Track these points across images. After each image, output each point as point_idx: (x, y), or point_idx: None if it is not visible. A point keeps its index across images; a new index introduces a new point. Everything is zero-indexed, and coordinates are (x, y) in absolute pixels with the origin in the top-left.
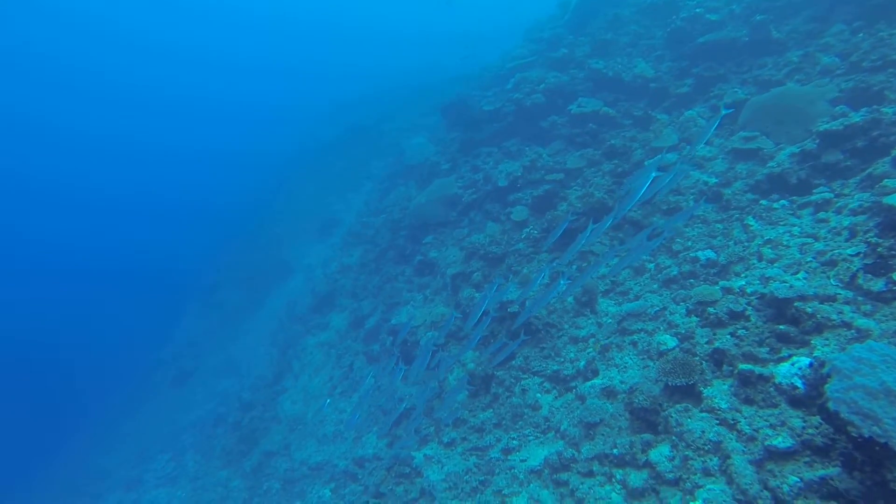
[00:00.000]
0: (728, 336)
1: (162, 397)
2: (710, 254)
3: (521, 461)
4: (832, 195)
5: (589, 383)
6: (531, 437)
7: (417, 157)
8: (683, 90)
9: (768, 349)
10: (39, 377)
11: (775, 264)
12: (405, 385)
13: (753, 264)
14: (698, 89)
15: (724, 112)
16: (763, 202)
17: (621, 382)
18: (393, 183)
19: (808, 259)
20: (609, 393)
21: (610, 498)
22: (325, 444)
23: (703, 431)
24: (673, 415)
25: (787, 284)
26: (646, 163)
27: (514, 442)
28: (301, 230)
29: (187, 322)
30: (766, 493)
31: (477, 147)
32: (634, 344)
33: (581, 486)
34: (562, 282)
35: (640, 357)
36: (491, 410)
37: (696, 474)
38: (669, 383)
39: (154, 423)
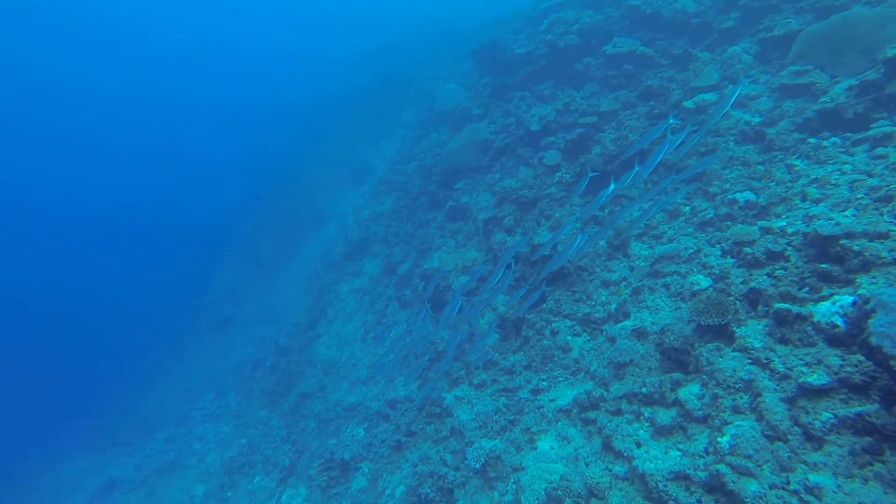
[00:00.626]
0: (765, 276)
1: (204, 343)
2: (750, 195)
3: (550, 401)
4: (894, 128)
5: (620, 325)
6: (561, 379)
7: (449, 104)
8: (729, 24)
9: (808, 289)
10: (96, 328)
11: (821, 204)
12: (437, 329)
13: (796, 205)
14: (745, 22)
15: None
16: (811, 140)
17: (652, 324)
18: (424, 130)
19: (859, 196)
20: (640, 334)
21: (637, 435)
22: (358, 387)
23: (735, 370)
24: (704, 354)
25: (834, 222)
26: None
27: (544, 383)
28: (333, 179)
29: (225, 271)
30: (796, 428)
31: (509, 92)
32: (667, 286)
33: (609, 424)
34: (579, 237)
35: (673, 299)
36: (521, 353)
37: (725, 412)
38: (702, 323)
39: (198, 367)
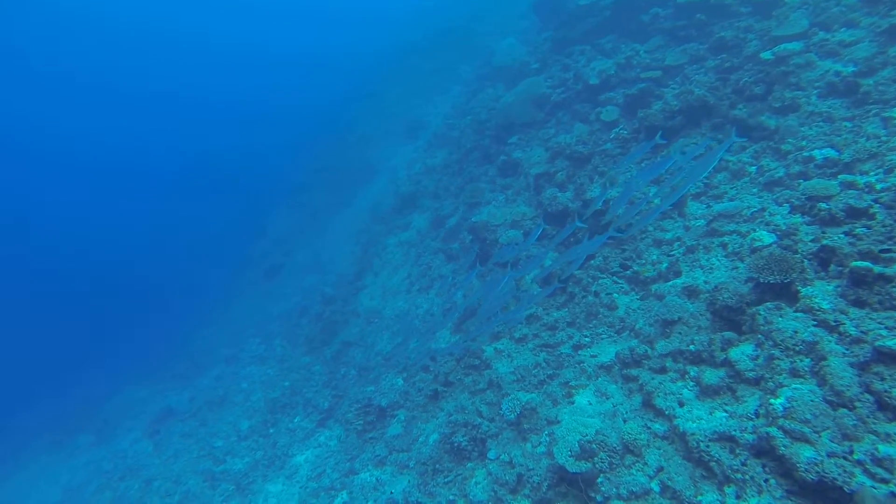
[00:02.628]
0: (842, 234)
1: (254, 289)
2: (831, 152)
3: (592, 357)
4: None
5: (670, 283)
6: (604, 336)
7: (507, 59)
8: None
9: None
10: (160, 271)
11: None
12: (482, 282)
13: (892, 161)
14: None
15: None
16: None
17: (705, 282)
18: (481, 85)
19: None
20: (691, 292)
21: (681, 394)
22: (399, 338)
23: (796, 332)
24: (762, 313)
25: None
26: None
27: (587, 339)
28: (387, 132)
29: (277, 221)
30: (867, 396)
31: (569, 45)
32: (724, 245)
33: (651, 382)
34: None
35: (730, 259)
36: (566, 309)
37: (781, 374)
38: (761, 280)
39: (248, 312)
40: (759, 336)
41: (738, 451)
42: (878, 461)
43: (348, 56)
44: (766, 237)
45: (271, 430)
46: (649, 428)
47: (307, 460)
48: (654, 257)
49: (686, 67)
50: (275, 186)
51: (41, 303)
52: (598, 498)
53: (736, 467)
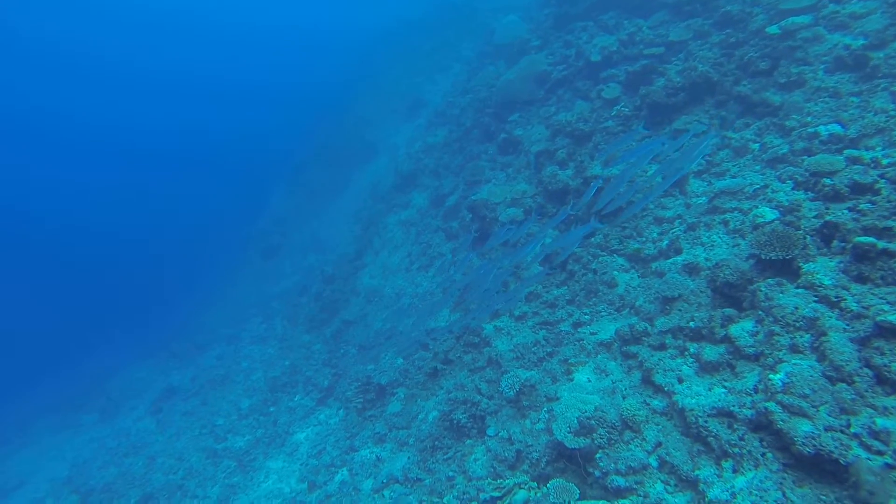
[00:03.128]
0: (845, 210)
1: (254, 268)
2: (836, 128)
3: (591, 334)
4: None
5: (670, 260)
6: (604, 314)
7: (508, 36)
8: None
9: None
10: (160, 251)
11: None
12: (482, 260)
13: None
14: None
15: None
16: None
17: (706, 259)
18: (481, 63)
19: None
20: (691, 269)
21: (680, 370)
22: (399, 316)
23: (797, 308)
24: (763, 289)
25: None
26: None
27: (586, 317)
28: (387, 111)
29: (276, 200)
30: (867, 370)
31: (572, 22)
32: (726, 223)
33: (650, 358)
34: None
35: (731, 236)
36: (566, 287)
37: (781, 350)
38: (763, 257)
39: (248, 291)
40: (760, 312)
41: (736, 427)
42: (874, 434)
43: (349, 34)
44: (768, 213)
45: (272, 409)
46: (648, 404)
47: (307, 438)
48: (655, 235)
49: (690, 43)
50: (275, 166)
51: (44, 283)
52: (597, 473)
53: (734, 442)
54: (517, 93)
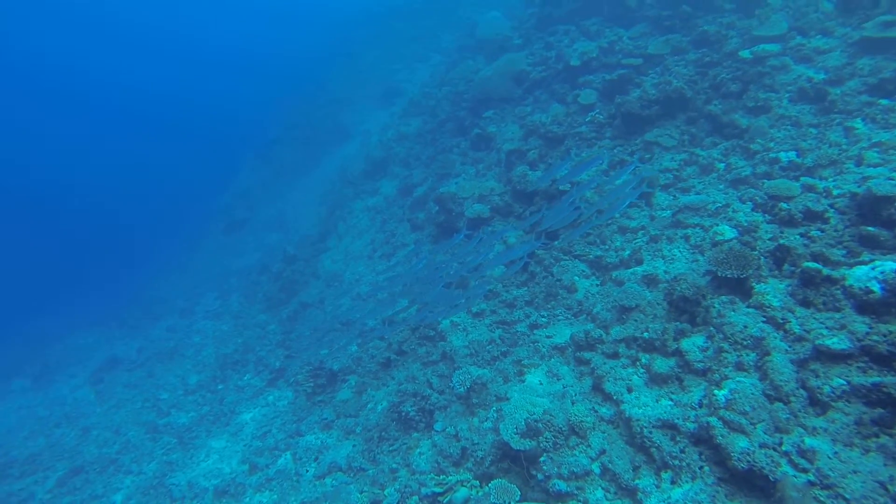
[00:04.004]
0: (797, 235)
1: (215, 242)
2: (795, 155)
3: (547, 337)
4: None
5: (630, 270)
6: (561, 318)
7: (490, 32)
8: None
9: (845, 252)
10: (118, 215)
11: (880, 168)
12: (445, 255)
13: (848, 168)
14: None
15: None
16: (884, 101)
17: (665, 272)
18: (461, 56)
19: None
20: (650, 280)
21: (631, 380)
22: (357, 303)
23: (746, 326)
24: (716, 306)
25: (894, 182)
26: None
27: (543, 319)
28: (362, 95)
29: (244, 174)
30: (801, 391)
31: (554, 24)
32: (687, 238)
33: (602, 366)
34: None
35: (692, 251)
36: (525, 288)
37: (727, 367)
38: (719, 274)
39: (207, 264)
40: (711, 329)
41: (678, 439)
42: (802, 452)
43: (331, 12)
44: (728, 232)
45: (220, 387)
46: (596, 411)
47: (254, 419)
48: (618, 244)
49: (667, 58)
50: (244, 138)
51: None
52: (539, 476)
53: (675, 454)
54: (494, 89)
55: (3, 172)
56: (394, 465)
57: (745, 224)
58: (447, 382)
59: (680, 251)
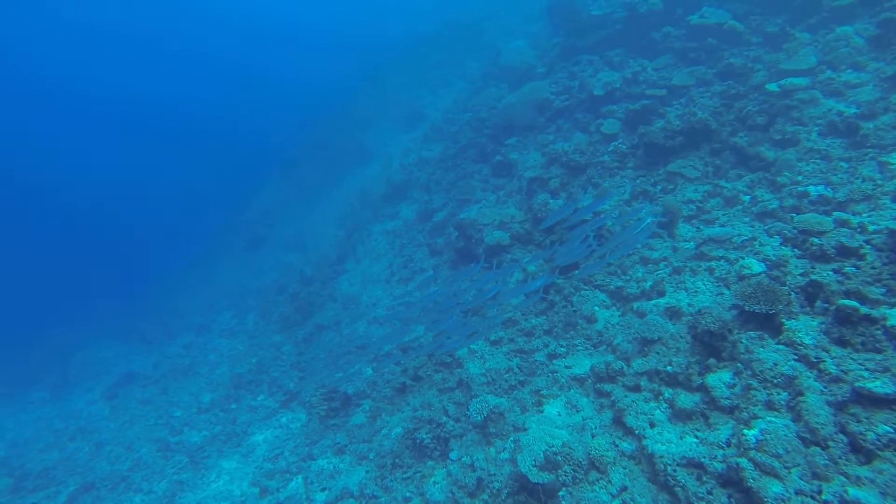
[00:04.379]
0: (830, 271)
1: (234, 259)
2: (825, 190)
3: (566, 367)
4: None
5: (652, 301)
6: (580, 348)
7: (514, 60)
8: (844, 1)
9: (885, 290)
10: (139, 228)
11: None
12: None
13: (885, 204)
14: (867, 1)
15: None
16: None
17: (689, 305)
18: (485, 83)
19: None
20: (673, 313)
21: (653, 414)
22: (374, 327)
23: (776, 364)
24: (744, 341)
25: None
26: None
27: (562, 349)
28: (385, 119)
29: (265, 193)
30: (841, 436)
31: (578, 54)
32: (711, 270)
33: (624, 399)
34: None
35: (716, 284)
36: (544, 317)
37: (756, 405)
38: (747, 308)
39: (225, 281)
40: (739, 365)
41: (705, 479)
42: (845, 503)
43: (358, 38)
44: (755, 266)
45: (233, 406)
46: (617, 446)
47: (266, 440)
48: (640, 275)
49: (692, 89)
50: (268, 158)
51: (15, 252)
52: None
53: (701, 495)
54: (517, 117)
55: (27, 183)
56: (407, 494)
57: (774, 258)
58: (463, 410)
59: (704, 284)
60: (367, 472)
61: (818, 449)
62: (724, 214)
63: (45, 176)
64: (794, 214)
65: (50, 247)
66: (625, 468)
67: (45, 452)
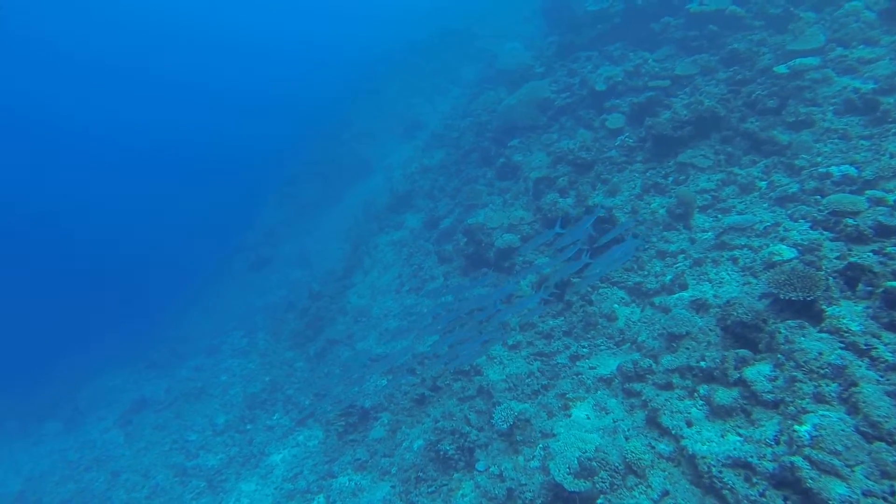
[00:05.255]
0: (870, 253)
1: (240, 280)
2: (849, 169)
3: (590, 368)
4: None
5: (676, 295)
6: (603, 348)
7: (510, 62)
8: None
9: None
10: (142, 257)
11: None
12: (476, 288)
13: None
14: None
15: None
16: None
17: (715, 297)
18: (482, 88)
19: None
20: (699, 306)
21: (689, 413)
22: (386, 338)
23: (821, 353)
24: (782, 331)
25: None
26: None
27: (584, 350)
28: (384, 130)
29: (266, 212)
30: None
31: (576, 51)
32: (734, 260)
33: (656, 398)
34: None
35: (742, 273)
36: (562, 318)
37: (804, 399)
38: (782, 296)
39: (232, 302)
40: (779, 356)
41: (755, 481)
42: None
43: (350, 51)
44: (786, 251)
45: (248, 427)
46: (654, 447)
47: (284, 460)
48: (658, 269)
49: (696, 78)
50: (267, 178)
51: (21, 284)
52: None
53: (753, 498)
54: (518, 118)
55: (30, 213)
56: None
57: (805, 243)
58: (486, 419)
59: (728, 274)
60: (391, 487)
61: (883, 444)
62: (740, 202)
63: (47, 207)
64: (818, 196)
65: (54, 279)
66: (664, 471)
67: (61, 485)
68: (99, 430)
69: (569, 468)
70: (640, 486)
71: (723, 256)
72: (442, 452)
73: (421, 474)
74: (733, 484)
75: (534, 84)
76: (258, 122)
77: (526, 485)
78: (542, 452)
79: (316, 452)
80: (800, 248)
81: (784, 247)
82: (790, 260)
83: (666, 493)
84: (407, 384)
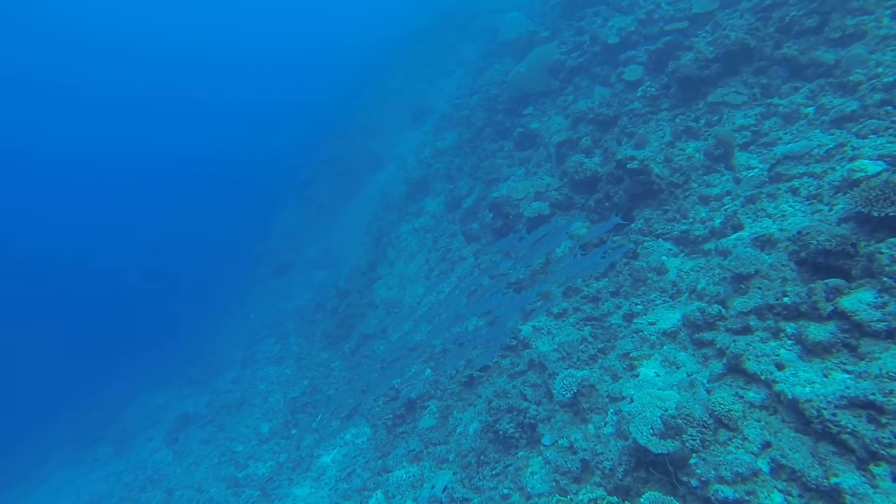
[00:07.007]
0: None
1: (265, 288)
2: None
3: (650, 324)
4: None
5: (732, 237)
6: (658, 302)
7: (513, 32)
8: None
9: None
10: (171, 275)
11: None
12: (507, 260)
13: None
14: None
15: None
16: None
17: (780, 230)
18: (487, 63)
19: None
20: (765, 242)
21: (778, 355)
22: (421, 326)
23: None
24: (884, 250)
25: None
26: None
27: (639, 307)
28: (390, 120)
29: (285, 217)
30: None
31: (581, 9)
32: (794, 190)
33: (734, 344)
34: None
35: (807, 203)
36: (606, 279)
37: None
38: (875, 214)
39: (260, 311)
40: (885, 279)
41: (885, 421)
42: None
43: (351, 49)
44: (869, 166)
45: (293, 431)
46: (742, 397)
47: (335, 460)
48: (703, 214)
49: (717, 13)
50: (283, 183)
51: (54, 312)
52: (694, 483)
53: (888, 441)
54: (530, 85)
55: (58, 241)
56: (504, 491)
57: (891, 154)
58: (544, 391)
59: (790, 206)
60: (453, 474)
61: None
62: (786, 133)
63: (71, 240)
64: (888, 108)
65: (85, 301)
66: (759, 421)
67: None
68: (148, 451)
69: (652, 429)
70: (735, 440)
71: (780, 189)
72: (501, 432)
73: (482, 457)
74: (854, 427)
75: (542, 48)
76: (271, 131)
77: (602, 453)
78: (614, 417)
79: (366, 449)
80: (888, 159)
81: (867, 161)
82: (878, 174)
83: (767, 444)
84: (452, 367)
